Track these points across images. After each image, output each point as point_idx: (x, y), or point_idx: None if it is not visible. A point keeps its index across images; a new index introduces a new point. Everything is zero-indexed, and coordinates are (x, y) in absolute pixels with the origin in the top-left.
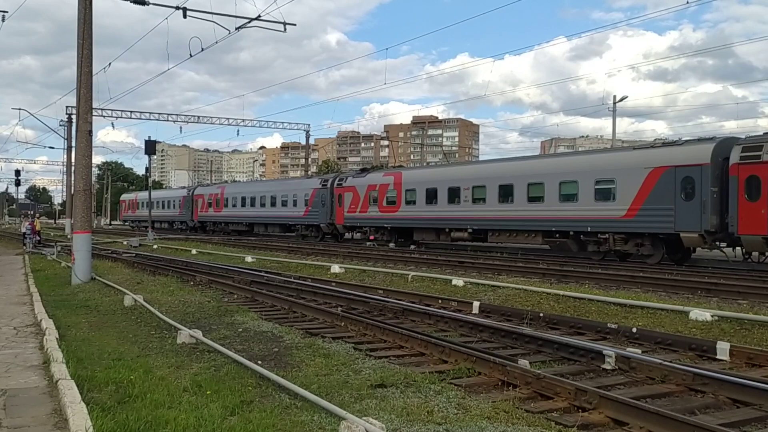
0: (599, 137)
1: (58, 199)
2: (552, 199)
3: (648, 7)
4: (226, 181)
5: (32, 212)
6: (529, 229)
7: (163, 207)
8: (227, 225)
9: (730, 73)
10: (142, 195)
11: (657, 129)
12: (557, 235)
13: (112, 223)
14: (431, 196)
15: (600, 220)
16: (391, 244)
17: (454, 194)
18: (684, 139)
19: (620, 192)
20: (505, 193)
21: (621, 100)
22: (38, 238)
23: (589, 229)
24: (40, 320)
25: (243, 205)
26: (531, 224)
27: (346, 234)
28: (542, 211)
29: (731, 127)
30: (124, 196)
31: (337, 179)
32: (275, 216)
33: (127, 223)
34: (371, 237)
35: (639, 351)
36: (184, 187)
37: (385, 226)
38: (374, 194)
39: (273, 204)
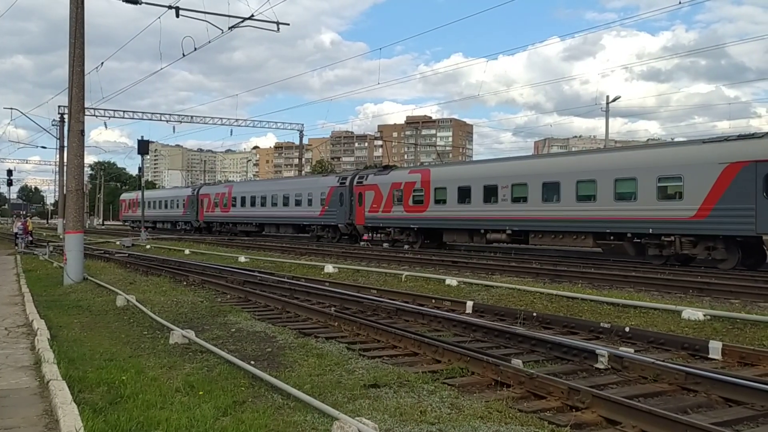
0: (592, 137)
1: (50, 199)
2: (606, 198)
3: (641, 8)
4: (234, 180)
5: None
6: (578, 231)
7: (166, 207)
8: (235, 225)
9: (722, 74)
10: (144, 194)
11: (650, 129)
12: (611, 238)
13: (105, 223)
14: (464, 194)
15: (664, 221)
16: (385, 245)
17: (490, 193)
18: (765, 131)
19: (689, 190)
20: (550, 191)
21: (614, 100)
22: (30, 238)
23: (651, 231)
24: (32, 321)
25: (253, 204)
26: (580, 225)
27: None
28: (594, 211)
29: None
30: (125, 196)
31: (357, 177)
32: (288, 216)
33: (127, 223)
34: (365, 237)
35: (632, 350)
36: (188, 186)
37: (412, 227)
38: (399, 193)
39: (286, 203)
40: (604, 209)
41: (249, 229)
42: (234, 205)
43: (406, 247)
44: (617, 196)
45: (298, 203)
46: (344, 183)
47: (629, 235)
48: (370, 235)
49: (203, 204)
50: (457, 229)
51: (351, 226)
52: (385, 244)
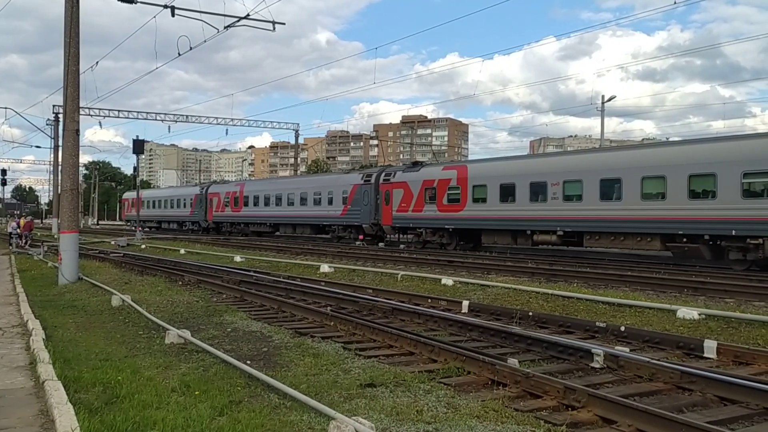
0: (588, 137)
1: (44, 199)
2: (677, 196)
3: (636, 8)
4: (247, 178)
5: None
6: (643, 232)
7: (172, 206)
8: (247, 226)
9: (717, 73)
10: (148, 193)
11: (645, 129)
12: (684, 240)
13: (100, 222)
14: (507, 192)
15: (751, 221)
16: (381, 244)
17: (538, 190)
18: None
19: None
20: (609, 188)
21: (609, 99)
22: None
23: (733, 232)
24: (27, 321)
25: (267, 204)
26: (646, 226)
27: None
28: (663, 210)
29: (719, 126)
30: (128, 195)
31: (384, 174)
32: (306, 216)
33: (129, 223)
34: (360, 237)
35: (627, 349)
36: (196, 184)
37: (446, 227)
38: (431, 191)
39: (303, 203)
40: (675, 208)
41: (262, 230)
42: (246, 205)
43: (401, 246)
44: (692, 194)
45: (317, 202)
46: (369, 180)
47: (706, 237)
48: (397, 235)
49: (212, 203)
50: (499, 230)
51: (376, 226)
52: (381, 244)
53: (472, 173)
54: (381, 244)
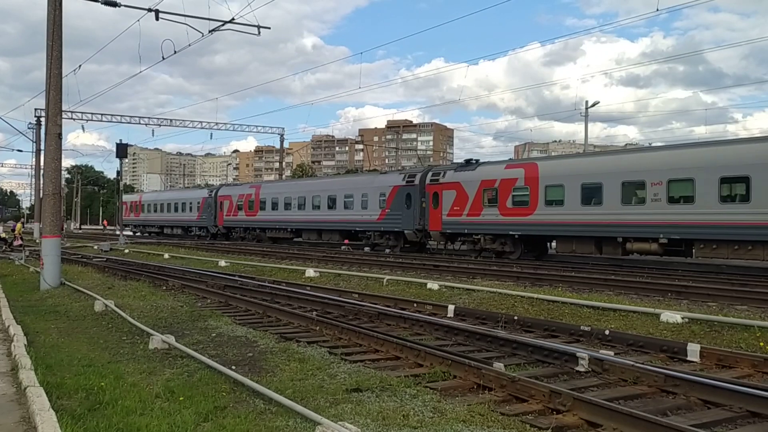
0: (572, 142)
1: (26, 203)
2: None
3: (620, 14)
4: (262, 180)
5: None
6: None
7: (176, 210)
8: (264, 231)
9: (700, 80)
10: (148, 196)
11: (629, 134)
12: None
13: (82, 227)
14: (591, 193)
15: None
16: (366, 248)
17: (632, 191)
18: None
19: None
20: (733, 188)
21: (593, 105)
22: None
23: None
24: (8, 326)
25: (287, 207)
26: None
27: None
28: None
29: (701, 132)
30: (125, 198)
31: (431, 174)
32: (334, 221)
33: (128, 228)
34: (346, 241)
35: (612, 353)
36: (203, 186)
37: (511, 233)
38: (492, 192)
39: (331, 206)
40: None
41: (281, 236)
42: (263, 208)
43: (390, 251)
44: None
45: (348, 206)
46: (413, 181)
47: None
48: (444, 242)
49: (223, 207)
50: (579, 237)
51: (421, 232)
52: (366, 248)
53: (544, 172)
54: (366, 249)
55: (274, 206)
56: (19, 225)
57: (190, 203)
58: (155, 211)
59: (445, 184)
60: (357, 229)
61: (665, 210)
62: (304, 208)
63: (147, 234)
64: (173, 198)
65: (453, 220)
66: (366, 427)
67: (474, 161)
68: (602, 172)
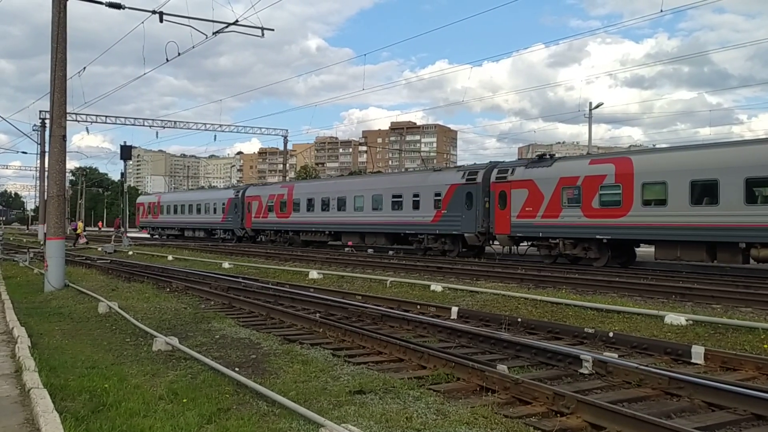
0: (576, 143)
1: (30, 205)
2: None
3: (625, 15)
4: (293, 179)
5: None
6: None
7: (198, 212)
8: (297, 234)
9: (705, 81)
10: (168, 197)
11: (633, 135)
12: None
13: (86, 229)
14: (702, 192)
15: None
16: (370, 250)
17: (757, 189)
18: None
19: None
20: None
21: (597, 106)
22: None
23: None
24: (12, 328)
25: (325, 208)
26: None
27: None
28: None
29: (705, 133)
30: (142, 199)
31: (497, 171)
32: (380, 222)
33: (145, 230)
34: (349, 243)
35: (615, 355)
36: (229, 187)
37: (598, 237)
38: (573, 191)
39: (377, 206)
40: None
41: (317, 239)
42: (296, 210)
43: (390, 253)
44: None
45: (396, 206)
46: (474, 179)
47: None
48: (510, 247)
49: (251, 208)
50: (686, 242)
51: (484, 235)
52: (370, 250)
53: (639, 167)
54: (369, 251)
55: (310, 207)
56: (80, 223)
57: (215, 204)
58: (176, 212)
59: (515, 182)
60: (407, 231)
61: None
62: (345, 209)
63: (165, 237)
64: (196, 199)
65: (524, 222)
66: (369, 429)
67: (549, 155)
68: (716, 166)
